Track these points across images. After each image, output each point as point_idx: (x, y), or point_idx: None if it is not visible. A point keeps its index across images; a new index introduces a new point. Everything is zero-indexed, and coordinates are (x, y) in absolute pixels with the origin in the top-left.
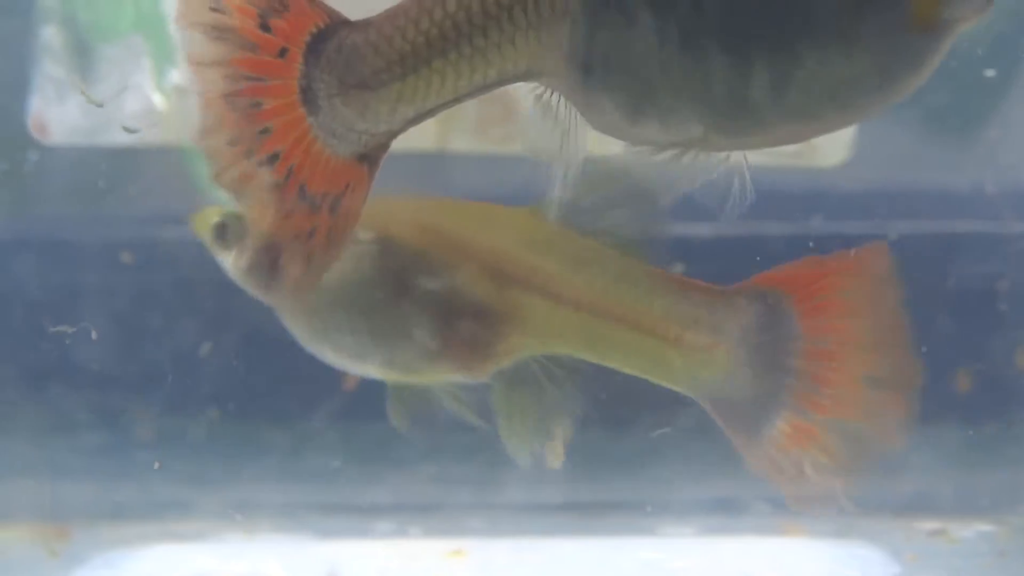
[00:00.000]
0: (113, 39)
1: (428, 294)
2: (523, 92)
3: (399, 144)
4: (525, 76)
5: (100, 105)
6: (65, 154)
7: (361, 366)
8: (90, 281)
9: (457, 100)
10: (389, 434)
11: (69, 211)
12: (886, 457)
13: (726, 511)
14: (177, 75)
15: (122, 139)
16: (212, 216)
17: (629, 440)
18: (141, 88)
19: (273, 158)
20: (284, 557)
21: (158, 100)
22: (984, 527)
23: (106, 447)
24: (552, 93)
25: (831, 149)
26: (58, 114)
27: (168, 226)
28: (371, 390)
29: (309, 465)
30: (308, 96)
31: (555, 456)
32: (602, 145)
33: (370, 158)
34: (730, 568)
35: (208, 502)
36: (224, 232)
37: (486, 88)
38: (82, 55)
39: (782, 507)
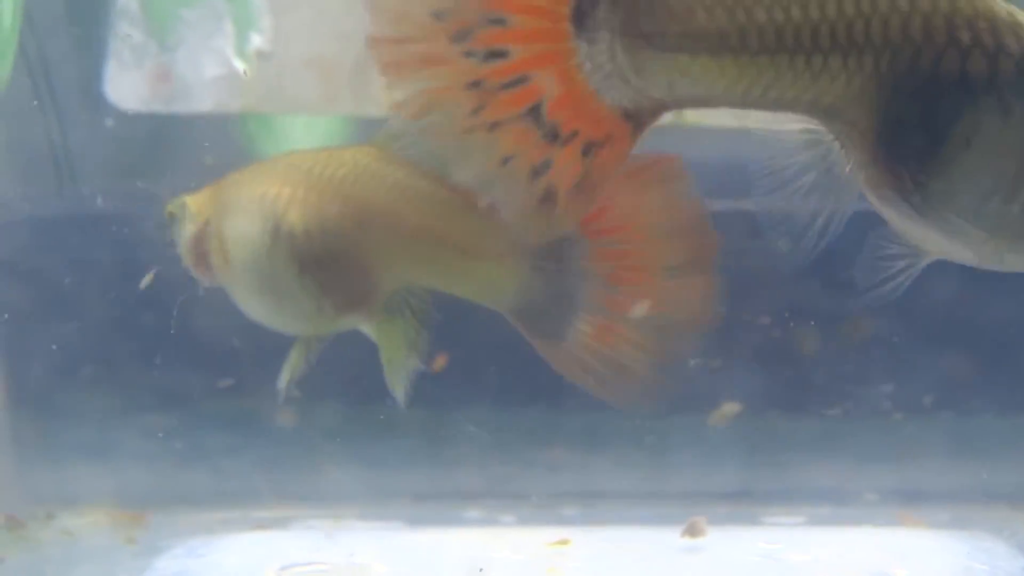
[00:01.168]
0: (193, 2)
1: (297, 249)
2: None
3: None
4: (820, 114)
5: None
6: (142, 121)
7: (286, 327)
8: (165, 255)
9: (739, 104)
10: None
11: (145, 180)
12: (695, 342)
13: (834, 501)
14: (259, 39)
15: (201, 106)
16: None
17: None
18: (222, 53)
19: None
20: (376, 546)
21: (239, 66)
22: None
23: (186, 429)
24: (835, 141)
25: None
26: (133, 80)
27: None
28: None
29: (395, 450)
30: (583, 18)
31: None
32: None
33: (636, 120)
34: (854, 561)
35: (290, 488)
36: (173, 220)
37: (771, 106)
38: (160, 19)
39: (892, 496)
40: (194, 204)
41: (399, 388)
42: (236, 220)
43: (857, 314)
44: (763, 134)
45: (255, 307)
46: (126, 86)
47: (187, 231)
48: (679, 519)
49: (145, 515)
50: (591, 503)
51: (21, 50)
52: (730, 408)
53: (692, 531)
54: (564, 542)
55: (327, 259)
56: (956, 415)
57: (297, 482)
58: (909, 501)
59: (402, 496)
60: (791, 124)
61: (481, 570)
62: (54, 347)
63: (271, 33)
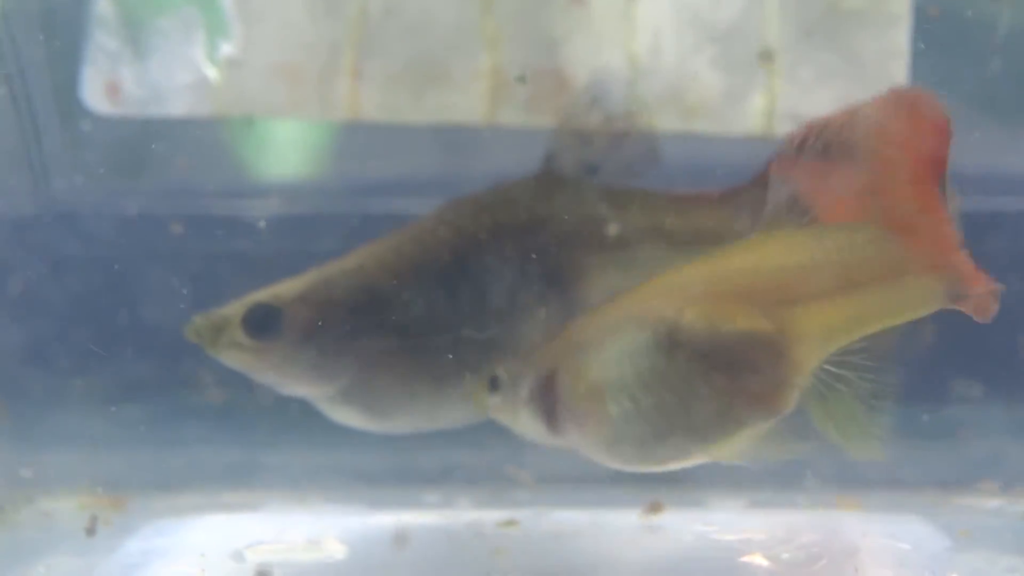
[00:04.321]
0: (167, 11)
1: (700, 349)
2: (578, 69)
3: (448, 116)
4: None
5: None
6: (116, 125)
7: (666, 452)
8: (140, 252)
9: None
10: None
11: (118, 181)
12: None
13: (776, 484)
14: (229, 47)
15: (173, 111)
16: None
17: None
18: (194, 60)
19: None
20: (339, 526)
21: (210, 73)
22: None
23: (159, 417)
24: None
25: None
26: (110, 85)
27: (217, 198)
28: None
29: (360, 435)
30: None
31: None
32: None
33: None
34: (782, 541)
35: (260, 473)
36: (496, 384)
37: None
38: (135, 27)
39: (832, 481)
40: (527, 361)
41: (873, 455)
42: (608, 350)
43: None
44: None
45: (636, 440)
46: (101, 91)
47: (524, 391)
48: (626, 502)
49: (120, 499)
50: (542, 487)
51: (0, 55)
52: None
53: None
54: (512, 523)
55: (735, 348)
56: (892, 403)
57: (265, 467)
58: (847, 485)
59: (364, 480)
60: (735, 129)
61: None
62: (32, 340)
63: (241, 41)
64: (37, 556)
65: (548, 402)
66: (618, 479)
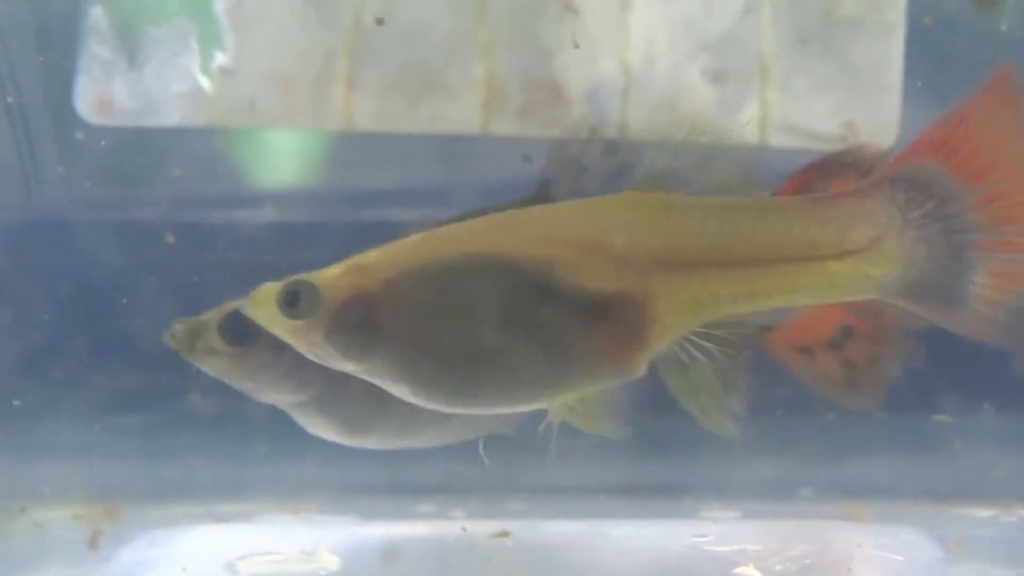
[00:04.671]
0: (160, 21)
1: (564, 304)
2: (571, 78)
3: (443, 125)
4: None
5: None
6: (110, 134)
7: (513, 398)
8: (134, 262)
9: None
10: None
11: (112, 191)
12: None
13: (771, 495)
14: (222, 57)
15: (167, 120)
16: (274, 288)
17: (674, 423)
18: (188, 69)
19: None
20: (331, 538)
21: (204, 82)
22: None
23: (154, 427)
24: None
25: (876, 133)
26: (104, 94)
27: (211, 208)
28: None
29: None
30: None
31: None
32: None
33: None
34: (776, 552)
35: (254, 483)
36: (295, 300)
37: None
38: (129, 37)
39: (826, 492)
40: (324, 280)
41: (724, 429)
42: (452, 286)
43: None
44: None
45: (474, 383)
46: (95, 100)
47: (326, 308)
48: (619, 513)
49: (113, 509)
50: (536, 498)
51: (9, 60)
52: None
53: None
54: (504, 534)
55: (609, 310)
56: (887, 415)
57: (259, 478)
58: (841, 497)
59: (356, 492)
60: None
61: None
62: (26, 349)
63: (234, 50)
64: (31, 567)
65: (360, 323)
66: (611, 490)
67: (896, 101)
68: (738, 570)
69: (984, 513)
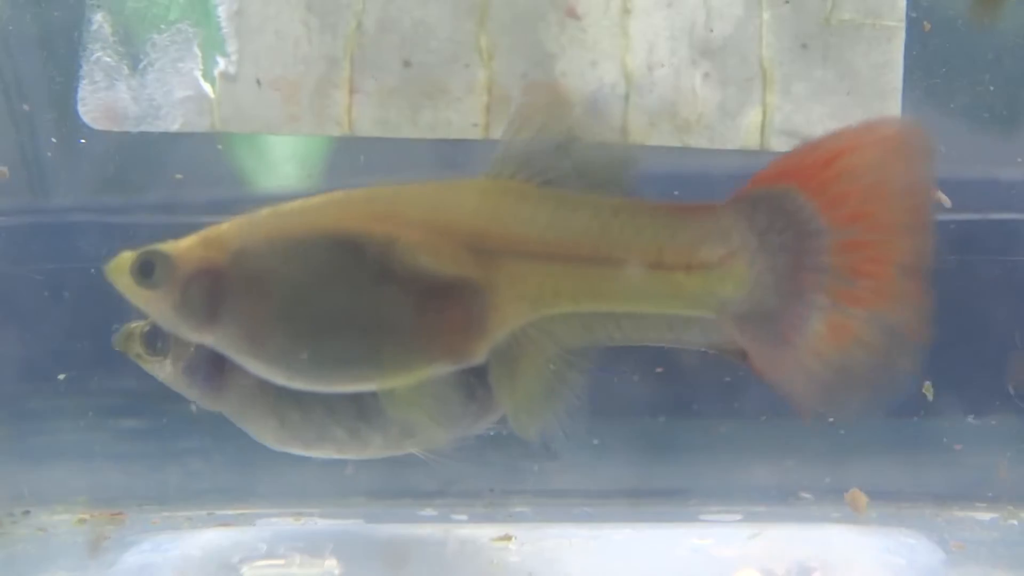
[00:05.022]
0: (162, 27)
1: (404, 284)
2: (573, 83)
3: (443, 132)
4: None
5: None
6: (113, 140)
7: (350, 375)
8: None
9: None
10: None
11: (116, 196)
12: (917, 353)
13: (773, 499)
14: (224, 62)
15: (169, 126)
16: (130, 257)
17: (677, 427)
18: (190, 75)
19: None
20: (334, 542)
21: (206, 88)
22: None
23: (157, 432)
24: None
25: None
26: (107, 100)
27: (214, 212)
28: None
29: None
30: None
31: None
32: None
33: None
34: (777, 555)
35: (257, 488)
36: (149, 270)
37: None
38: (131, 43)
39: (826, 495)
40: (180, 250)
41: (527, 434)
42: (295, 259)
43: None
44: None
45: (315, 358)
46: (98, 106)
47: (177, 278)
48: (622, 517)
49: (116, 514)
50: (538, 502)
51: (13, 65)
52: None
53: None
54: (507, 538)
55: (448, 293)
56: (887, 418)
57: (262, 482)
58: (840, 500)
59: (360, 495)
60: (729, 143)
61: None
62: (29, 353)
63: (236, 56)
64: (34, 571)
65: (207, 293)
66: (614, 494)
67: (896, 106)
68: (740, 574)
69: (985, 516)
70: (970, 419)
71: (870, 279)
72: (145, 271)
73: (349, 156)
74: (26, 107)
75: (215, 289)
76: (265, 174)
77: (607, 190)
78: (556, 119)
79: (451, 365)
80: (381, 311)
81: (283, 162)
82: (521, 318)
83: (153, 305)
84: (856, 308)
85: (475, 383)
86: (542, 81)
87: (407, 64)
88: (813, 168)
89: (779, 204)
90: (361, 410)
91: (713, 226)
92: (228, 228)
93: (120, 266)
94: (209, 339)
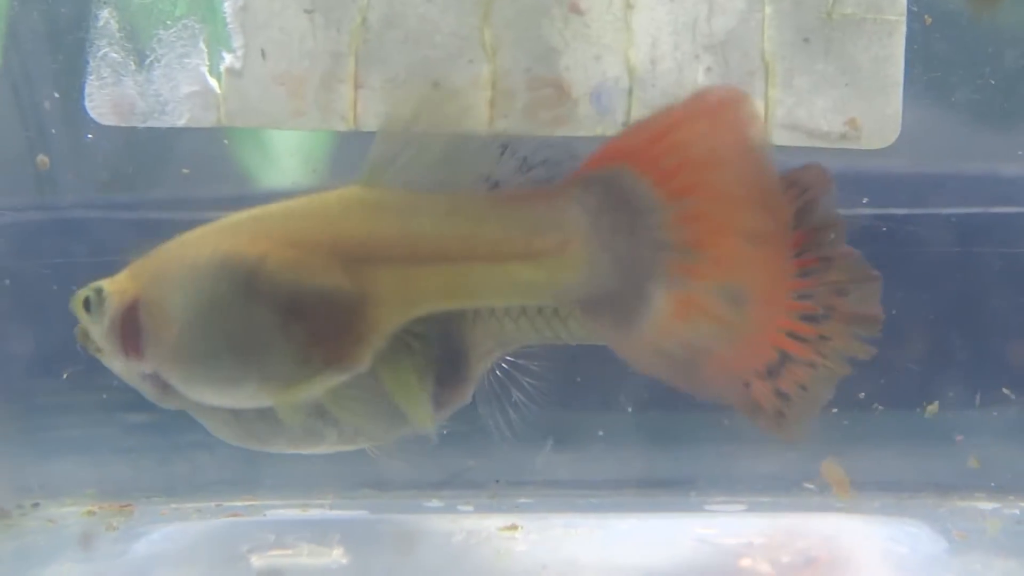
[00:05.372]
0: (168, 23)
1: (280, 299)
2: (576, 77)
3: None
4: None
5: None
6: (120, 135)
7: (239, 393)
8: None
9: None
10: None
11: (123, 190)
12: (771, 319)
13: (776, 489)
14: (230, 58)
15: (176, 121)
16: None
17: (680, 419)
18: (196, 70)
19: None
20: (342, 532)
21: (212, 83)
22: None
23: (164, 424)
24: None
25: (878, 131)
26: (113, 96)
27: (220, 207)
28: None
29: None
30: None
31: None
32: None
33: None
34: (782, 544)
35: (264, 479)
36: (89, 305)
37: None
38: (138, 39)
39: (829, 486)
40: (114, 285)
41: (427, 422)
42: (187, 284)
43: None
44: None
45: (206, 377)
46: (105, 101)
47: (108, 316)
48: (627, 507)
49: (125, 505)
50: (542, 493)
51: (6, 67)
52: None
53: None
54: (514, 528)
55: (317, 305)
56: (888, 409)
57: (268, 475)
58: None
59: (367, 487)
60: None
61: None
62: (37, 347)
63: (242, 52)
64: (44, 562)
65: (129, 328)
66: (619, 485)
67: (897, 99)
68: (745, 562)
69: (987, 506)
70: (971, 410)
71: (711, 250)
72: (87, 306)
73: (353, 151)
74: (30, 102)
75: (135, 320)
76: (271, 169)
77: (472, 183)
78: (423, 126)
79: (339, 374)
80: (257, 330)
81: (289, 157)
82: (396, 321)
83: (100, 336)
84: (700, 281)
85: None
86: (412, 89)
87: (412, 59)
88: (643, 144)
89: (611, 184)
90: (316, 406)
91: (546, 213)
92: (147, 259)
93: (76, 302)
94: (145, 366)
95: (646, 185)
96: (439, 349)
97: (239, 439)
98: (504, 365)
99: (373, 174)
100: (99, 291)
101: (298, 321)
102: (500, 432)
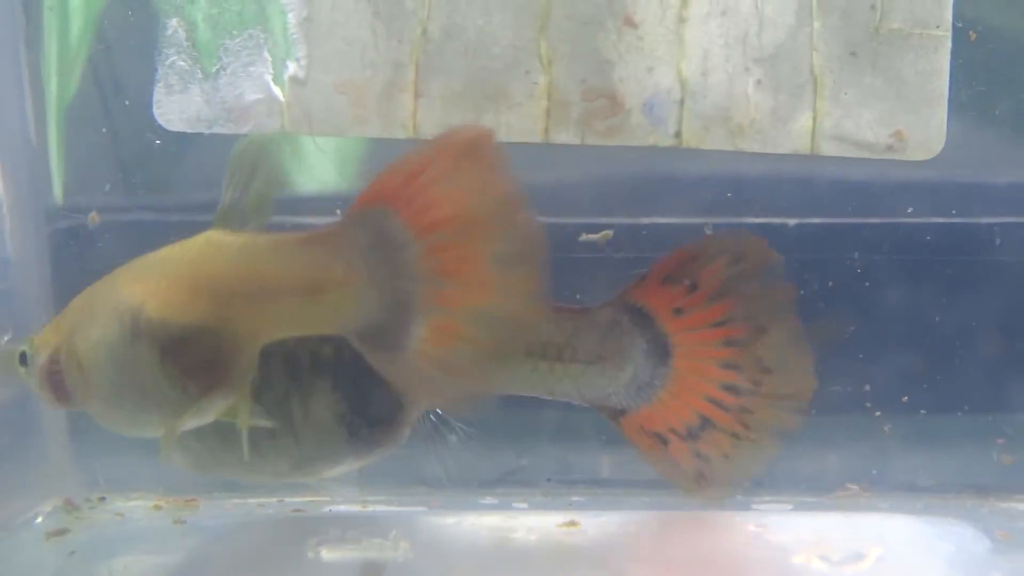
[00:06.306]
0: (234, 33)
1: (157, 338)
2: (629, 89)
3: (503, 135)
4: None
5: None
6: (187, 141)
7: (146, 425)
8: None
9: None
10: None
11: (189, 195)
12: (525, 332)
13: (820, 490)
14: (294, 67)
15: (241, 128)
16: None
17: None
18: (261, 79)
19: None
20: (400, 528)
21: (276, 91)
22: None
23: None
24: None
25: (923, 143)
26: (181, 103)
27: (282, 211)
28: None
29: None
30: None
31: None
32: None
33: None
34: (830, 541)
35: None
36: (24, 359)
37: None
38: (204, 48)
39: (874, 486)
40: (40, 339)
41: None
42: (90, 332)
43: (827, 318)
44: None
45: (119, 413)
46: (172, 108)
47: (36, 366)
48: (679, 506)
49: (191, 500)
50: (596, 491)
51: (93, 69)
52: None
53: None
54: (573, 524)
55: (185, 339)
56: (930, 413)
57: None
58: (888, 491)
59: (424, 485)
60: (781, 148)
61: None
62: None
63: (305, 61)
64: (114, 554)
65: (54, 376)
66: (664, 484)
67: (942, 112)
68: (797, 558)
69: None
70: (1011, 413)
71: (459, 277)
72: (22, 361)
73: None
74: (104, 110)
75: (57, 370)
76: (335, 175)
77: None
78: (256, 175)
79: (218, 399)
80: (144, 367)
81: (351, 163)
82: (252, 348)
83: (34, 388)
84: (451, 307)
85: (358, 422)
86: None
87: (470, 69)
88: (397, 185)
89: (374, 223)
90: (273, 439)
91: (326, 251)
92: (68, 310)
93: (12, 360)
94: (75, 408)
95: (400, 223)
96: (364, 394)
97: (198, 468)
98: (438, 411)
99: (221, 219)
100: (26, 348)
101: (173, 355)
102: (436, 469)
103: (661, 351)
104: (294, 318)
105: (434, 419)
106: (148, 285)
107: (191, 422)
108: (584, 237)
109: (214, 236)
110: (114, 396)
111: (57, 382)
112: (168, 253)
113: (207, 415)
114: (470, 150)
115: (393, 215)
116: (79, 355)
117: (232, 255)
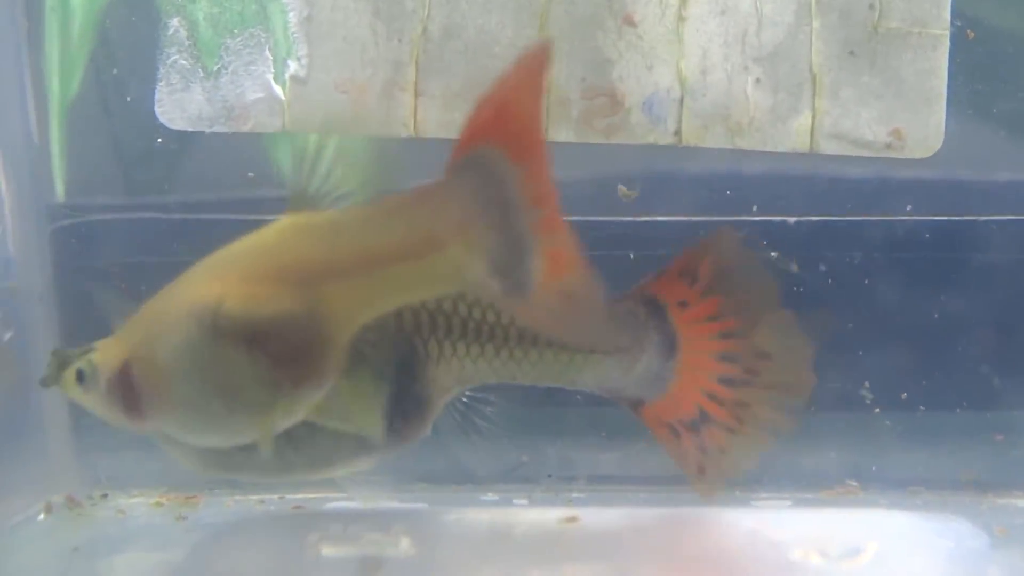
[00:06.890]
0: (235, 32)
1: (241, 334)
2: (629, 87)
3: None
4: None
5: None
6: (188, 139)
7: (231, 430)
8: None
9: None
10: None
11: (191, 193)
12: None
13: (819, 486)
14: (295, 65)
15: (242, 126)
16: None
17: None
18: (262, 78)
19: None
20: (403, 524)
21: (277, 90)
22: None
23: None
24: None
25: (921, 141)
26: (182, 101)
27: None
28: None
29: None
30: None
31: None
32: None
33: None
34: (830, 537)
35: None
36: (82, 377)
37: None
38: (205, 47)
39: (872, 483)
40: (100, 353)
41: (375, 430)
42: (168, 338)
43: (824, 314)
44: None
45: (204, 421)
46: (174, 107)
47: (102, 382)
48: (678, 502)
49: (191, 497)
50: (596, 487)
51: (95, 68)
52: None
53: None
54: (573, 519)
55: (271, 332)
56: (929, 409)
57: None
58: (886, 487)
59: (424, 482)
60: (780, 146)
61: None
62: None
63: (306, 60)
64: (116, 551)
65: (126, 390)
66: (665, 481)
67: (941, 110)
68: (795, 554)
69: None
70: (1009, 410)
71: (552, 202)
72: (80, 378)
73: (415, 156)
74: (105, 109)
75: (129, 383)
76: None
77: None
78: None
79: (311, 392)
80: (230, 366)
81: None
82: (347, 332)
83: (96, 407)
84: (559, 232)
85: (393, 415)
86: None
87: (470, 68)
88: (491, 120)
89: (478, 163)
90: (288, 436)
91: (438, 206)
92: (136, 319)
93: (68, 380)
94: (147, 425)
95: (500, 155)
96: (400, 387)
97: (208, 468)
98: (464, 399)
99: (295, 203)
100: (89, 364)
101: (261, 350)
102: (465, 459)
103: (670, 344)
104: (408, 286)
105: (460, 407)
106: (224, 281)
107: (283, 421)
108: (622, 191)
109: (293, 220)
110: (200, 403)
111: (130, 398)
112: (242, 245)
113: (299, 411)
114: (544, 65)
115: (492, 149)
116: (157, 365)
117: (320, 235)
